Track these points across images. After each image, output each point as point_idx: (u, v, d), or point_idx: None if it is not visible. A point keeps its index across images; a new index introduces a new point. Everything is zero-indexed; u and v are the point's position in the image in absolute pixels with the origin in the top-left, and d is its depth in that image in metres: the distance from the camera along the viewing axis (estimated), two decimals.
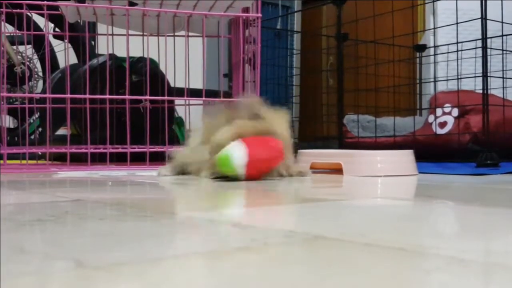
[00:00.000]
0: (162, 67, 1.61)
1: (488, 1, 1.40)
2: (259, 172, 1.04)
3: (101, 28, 1.84)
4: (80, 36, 1.84)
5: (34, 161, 1.52)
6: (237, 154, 1.00)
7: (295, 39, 2.66)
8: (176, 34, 1.63)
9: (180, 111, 1.97)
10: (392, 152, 1.25)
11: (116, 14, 1.54)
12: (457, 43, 1.59)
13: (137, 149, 1.47)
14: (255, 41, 1.47)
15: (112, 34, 1.60)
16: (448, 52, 1.86)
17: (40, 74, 2.28)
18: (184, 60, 1.51)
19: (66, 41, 1.52)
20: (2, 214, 0.55)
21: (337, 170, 1.23)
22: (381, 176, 1.15)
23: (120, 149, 1.46)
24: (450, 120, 1.58)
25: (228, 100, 1.53)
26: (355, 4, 1.84)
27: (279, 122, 1.14)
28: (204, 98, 1.51)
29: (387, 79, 1.96)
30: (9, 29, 1.74)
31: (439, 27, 2.03)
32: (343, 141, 1.83)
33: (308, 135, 2.41)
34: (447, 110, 1.59)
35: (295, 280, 0.30)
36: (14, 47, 1.96)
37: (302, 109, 2.50)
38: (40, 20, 1.89)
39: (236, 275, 0.31)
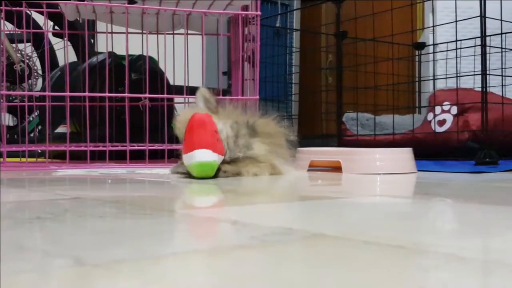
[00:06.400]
0: (161, 65, 1.60)
1: None
2: None
3: (101, 26, 1.83)
4: (80, 34, 1.84)
5: (33, 159, 1.52)
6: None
7: (294, 37, 2.66)
8: (175, 32, 1.63)
9: (179, 109, 1.97)
10: (391, 150, 1.25)
11: (115, 12, 1.53)
12: (456, 41, 1.59)
13: (136, 147, 1.47)
14: (254, 39, 1.47)
15: (112, 32, 1.60)
16: (447, 50, 1.86)
17: (40, 72, 2.28)
18: (183, 58, 1.51)
19: (65, 39, 1.52)
20: (2, 212, 0.55)
21: (336, 168, 1.23)
22: (380, 174, 1.15)
23: (119, 147, 1.46)
24: (449, 118, 1.58)
25: (228, 98, 1.53)
26: (354, 2, 1.84)
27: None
28: None
29: (386, 77, 1.96)
30: (8, 27, 1.74)
31: (438, 25, 2.03)
32: (342, 139, 1.83)
33: (307, 133, 2.40)
34: (446, 108, 1.59)
35: (294, 277, 0.30)
36: (14, 45, 1.95)
37: (301, 107, 2.49)
38: (39, 18, 1.89)
39: (235, 273, 0.31)
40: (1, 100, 1.48)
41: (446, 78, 1.81)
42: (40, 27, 1.93)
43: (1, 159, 1.40)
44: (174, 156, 1.38)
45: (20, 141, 1.68)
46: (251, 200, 0.75)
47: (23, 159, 1.43)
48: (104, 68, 1.61)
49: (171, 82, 1.67)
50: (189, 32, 1.59)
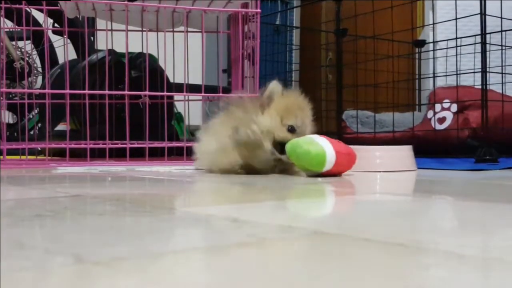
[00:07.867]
0: (161, 63, 1.60)
1: None
2: (339, 171, 1.03)
3: (100, 23, 1.83)
4: (79, 32, 1.83)
5: (33, 157, 1.52)
6: (329, 151, 0.99)
7: (294, 34, 2.66)
8: (175, 29, 1.63)
9: (179, 106, 1.97)
10: (391, 148, 1.25)
11: (115, 9, 1.53)
12: (456, 38, 1.59)
13: (136, 144, 1.47)
14: (254, 37, 1.47)
15: (112, 30, 1.60)
16: (447, 48, 1.86)
17: (40, 69, 2.27)
18: (183, 56, 1.51)
19: (65, 36, 1.52)
20: (2, 210, 0.55)
21: None
22: (380, 172, 1.15)
23: (119, 145, 1.46)
24: (449, 115, 1.58)
25: (227, 95, 1.53)
26: (354, 0, 1.83)
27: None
28: (203, 94, 1.50)
29: (386, 75, 1.96)
30: (8, 24, 1.74)
31: (438, 23, 2.03)
32: (342, 137, 1.82)
33: None
34: (446, 105, 1.59)
35: (294, 275, 0.30)
36: (13, 42, 1.95)
37: None
38: (39, 16, 1.89)
39: (235, 271, 0.31)
40: (1, 98, 1.48)
41: (446, 75, 1.81)
42: (40, 25, 1.93)
43: (1, 157, 1.40)
44: (174, 154, 1.38)
45: (20, 139, 1.69)
46: (251, 198, 0.75)
47: (23, 157, 1.43)
48: (104, 66, 1.61)
49: (171, 80, 1.67)
50: (189, 29, 1.58)
